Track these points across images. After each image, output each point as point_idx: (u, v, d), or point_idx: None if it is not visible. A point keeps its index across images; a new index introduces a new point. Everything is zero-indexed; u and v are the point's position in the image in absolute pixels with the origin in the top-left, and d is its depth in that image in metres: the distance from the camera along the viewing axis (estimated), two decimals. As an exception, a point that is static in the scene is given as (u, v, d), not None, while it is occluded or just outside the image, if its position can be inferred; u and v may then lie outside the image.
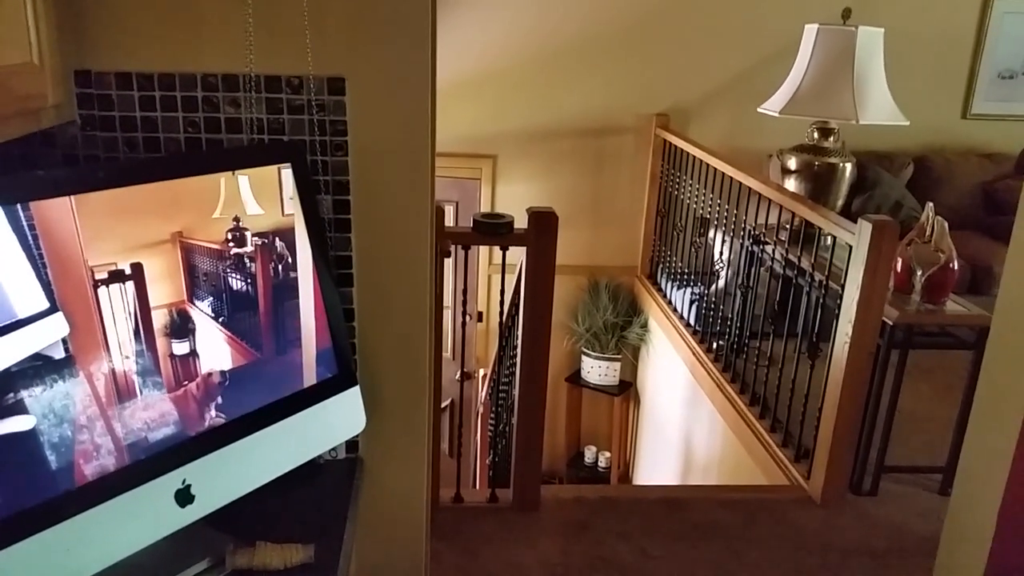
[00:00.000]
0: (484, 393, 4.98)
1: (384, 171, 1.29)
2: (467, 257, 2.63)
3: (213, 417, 1.05)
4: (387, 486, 1.43)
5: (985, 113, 5.05)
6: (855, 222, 2.58)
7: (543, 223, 2.46)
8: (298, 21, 1.19)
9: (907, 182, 4.71)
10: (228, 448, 1.07)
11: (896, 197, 4.49)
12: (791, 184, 3.61)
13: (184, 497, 1.03)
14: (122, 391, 0.96)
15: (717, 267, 3.88)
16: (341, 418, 1.23)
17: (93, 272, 0.94)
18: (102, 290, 0.95)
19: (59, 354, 0.91)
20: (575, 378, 5.15)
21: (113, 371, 0.95)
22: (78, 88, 1.19)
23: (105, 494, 0.95)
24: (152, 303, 1.00)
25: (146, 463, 0.98)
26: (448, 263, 2.55)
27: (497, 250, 2.58)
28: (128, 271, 0.97)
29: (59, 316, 0.90)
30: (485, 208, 4.97)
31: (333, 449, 1.36)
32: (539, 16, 4.73)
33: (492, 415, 4.19)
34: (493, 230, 2.49)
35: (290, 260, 1.14)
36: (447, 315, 4.88)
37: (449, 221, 4.87)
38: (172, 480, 1.01)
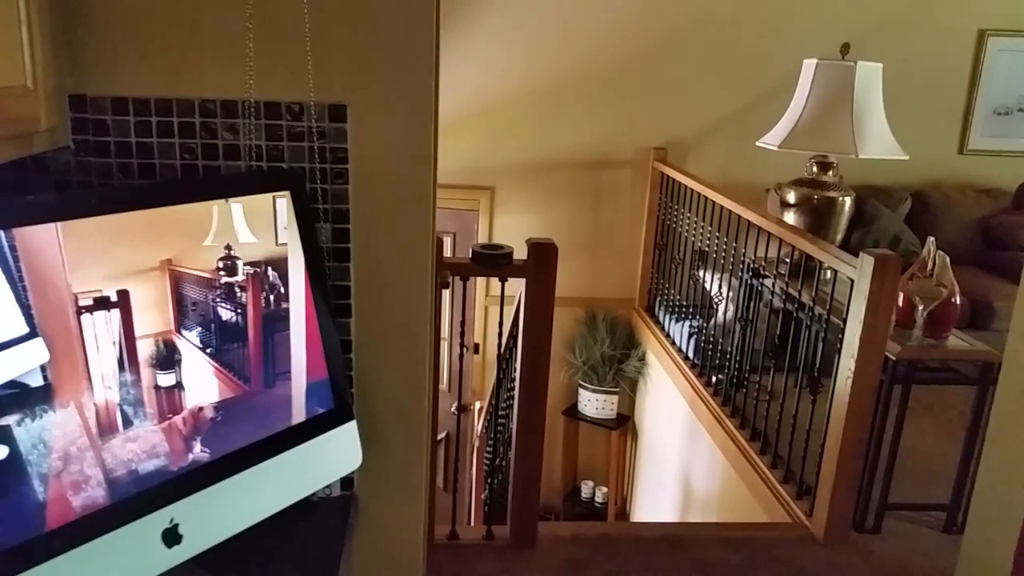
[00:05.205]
0: (480, 426, 4.91)
1: (385, 200, 1.27)
2: (465, 288, 2.60)
3: (199, 452, 1.01)
4: (383, 525, 1.38)
5: (981, 149, 5.07)
6: (855, 256, 2.56)
7: (543, 254, 2.43)
8: (299, 47, 1.17)
9: (905, 216, 4.72)
10: (218, 486, 1.03)
11: (895, 231, 4.49)
12: (790, 218, 3.60)
13: (171, 537, 0.98)
14: (104, 423, 0.92)
15: (716, 300, 3.85)
16: (336, 454, 1.18)
17: (77, 298, 0.90)
18: (86, 317, 0.91)
19: (37, 382, 0.87)
20: (572, 411, 5.10)
21: (95, 402, 0.91)
22: (73, 113, 1.17)
23: (88, 533, 0.90)
24: (138, 332, 0.96)
25: (131, 501, 0.94)
26: (446, 294, 2.52)
27: (494, 281, 2.55)
28: (114, 298, 0.93)
29: (39, 342, 0.86)
30: (483, 239, 4.95)
31: (327, 486, 1.31)
32: (538, 49, 4.76)
33: (488, 449, 4.12)
34: (492, 261, 2.46)
35: (282, 290, 1.11)
36: (444, 347, 4.85)
37: (447, 252, 4.85)
38: (159, 519, 0.97)
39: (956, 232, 4.66)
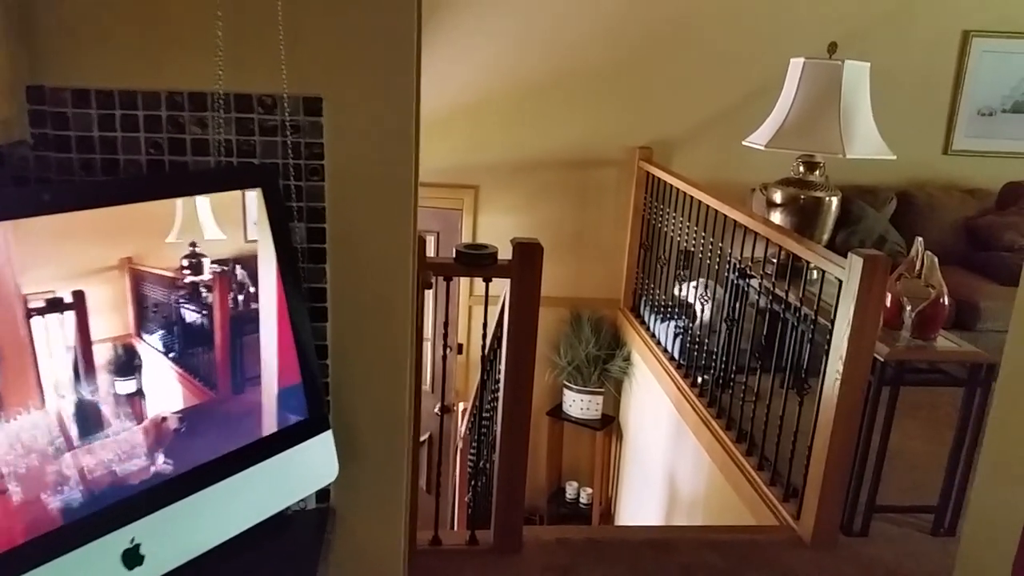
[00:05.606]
0: (463, 428, 4.86)
1: (363, 198, 1.21)
2: (448, 288, 2.55)
3: (162, 465, 0.94)
4: (361, 539, 1.32)
5: (966, 149, 5.08)
6: (842, 256, 2.53)
7: (528, 254, 2.39)
8: (272, 35, 1.11)
9: (890, 217, 4.71)
10: (184, 502, 0.96)
11: (880, 231, 4.48)
12: (776, 218, 3.58)
13: (132, 558, 0.92)
14: (56, 436, 0.86)
15: (703, 300, 3.82)
16: (311, 466, 1.12)
17: (27, 300, 0.84)
18: (36, 320, 0.84)
19: (-19, 392, 0.80)
20: (557, 412, 5.05)
21: (47, 412, 0.85)
22: (30, 105, 1.10)
23: (39, 557, 0.83)
24: (94, 336, 0.90)
25: (87, 520, 0.87)
26: (429, 294, 2.46)
27: (478, 281, 2.50)
28: (68, 300, 0.87)
29: (-16, 348, 0.80)
30: (467, 239, 4.90)
31: (302, 499, 1.25)
32: (524, 47, 4.71)
33: (472, 451, 4.07)
34: (476, 261, 2.41)
35: (252, 290, 1.04)
36: (427, 347, 4.79)
37: (430, 252, 4.79)
38: (118, 539, 0.90)
39: (941, 232, 4.66)
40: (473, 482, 3.72)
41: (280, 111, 1.14)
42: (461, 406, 5.03)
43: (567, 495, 5.14)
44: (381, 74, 1.16)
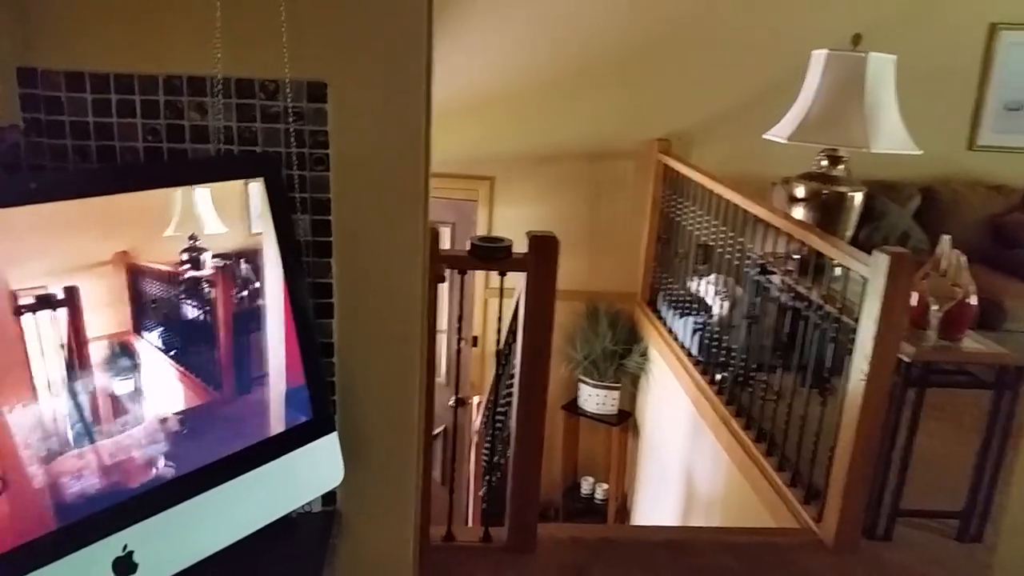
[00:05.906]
0: (478, 421, 4.82)
1: (371, 189, 1.16)
2: (463, 281, 2.51)
3: (161, 468, 0.90)
4: (369, 543, 1.27)
5: (991, 145, 4.95)
6: (865, 253, 2.46)
7: (544, 248, 2.33)
8: (274, 17, 1.06)
9: (913, 213, 4.60)
10: (181, 506, 0.92)
11: (903, 228, 4.38)
12: (798, 213, 3.50)
13: (125, 567, 0.87)
14: (49, 438, 0.81)
15: (723, 296, 3.74)
16: (316, 469, 1.07)
17: (16, 296, 0.79)
18: (27, 317, 0.80)
19: (-32, 393, 0.76)
20: (572, 406, 5.00)
21: (40, 413, 0.81)
22: (21, 88, 1.05)
23: (24, 567, 0.79)
24: (90, 334, 0.85)
25: (77, 527, 0.83)
26: (444, 286, 2.42)
27: (494, 273, 2.45)
28: (61, 296, 0.83)
29: (-30, 347, 0.76)
30: (482, 230, 4.85)
31: (307, 502, 1.20)
32: (540, 37, 4.65)
33: (487, 445, 4.03)
34: (491, 254, 2.37)
35: (256, 285, 0.99)
36: (442, 339, 4.74)
37: (445, 244, 4.74)
38: (110, 547, 0.86)
39: (965, 229, 4.53)
40: (488, 476, 3.68)
41: (282, 97, 1.09)
42: (476, 399, 5.00)
43: (582, 490, 5.10)
44: (390, 58, 1.11)
